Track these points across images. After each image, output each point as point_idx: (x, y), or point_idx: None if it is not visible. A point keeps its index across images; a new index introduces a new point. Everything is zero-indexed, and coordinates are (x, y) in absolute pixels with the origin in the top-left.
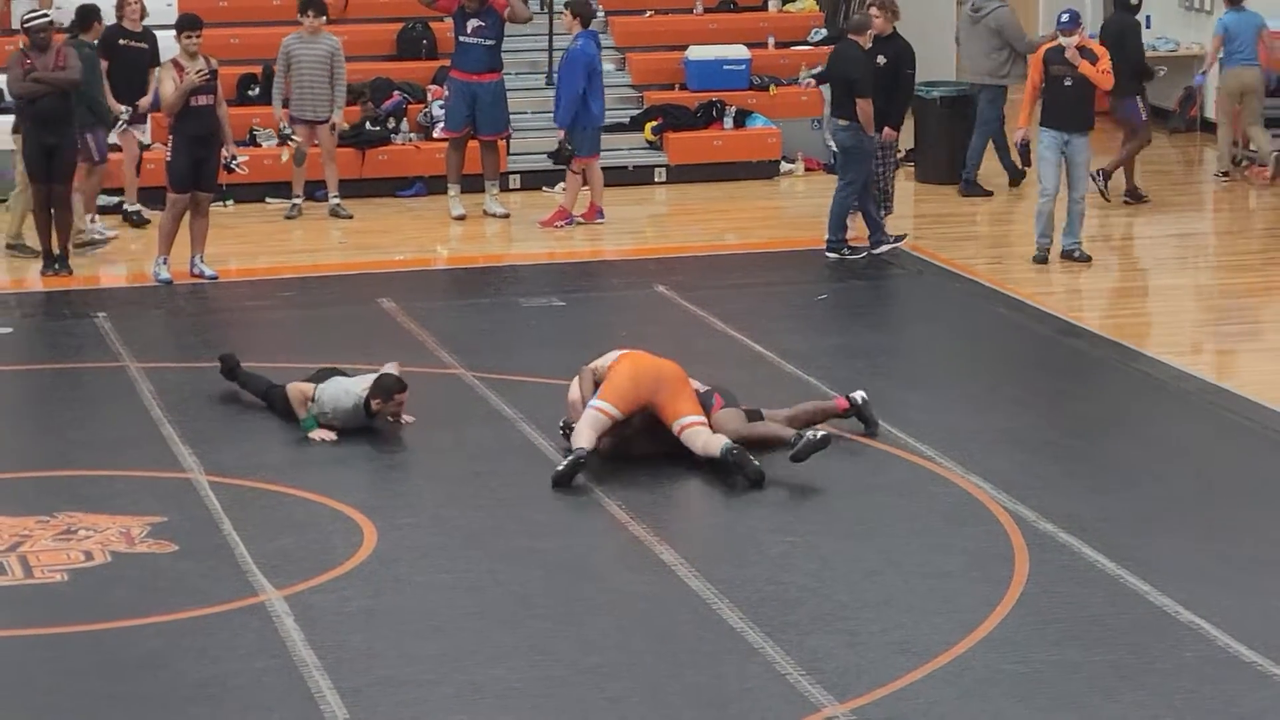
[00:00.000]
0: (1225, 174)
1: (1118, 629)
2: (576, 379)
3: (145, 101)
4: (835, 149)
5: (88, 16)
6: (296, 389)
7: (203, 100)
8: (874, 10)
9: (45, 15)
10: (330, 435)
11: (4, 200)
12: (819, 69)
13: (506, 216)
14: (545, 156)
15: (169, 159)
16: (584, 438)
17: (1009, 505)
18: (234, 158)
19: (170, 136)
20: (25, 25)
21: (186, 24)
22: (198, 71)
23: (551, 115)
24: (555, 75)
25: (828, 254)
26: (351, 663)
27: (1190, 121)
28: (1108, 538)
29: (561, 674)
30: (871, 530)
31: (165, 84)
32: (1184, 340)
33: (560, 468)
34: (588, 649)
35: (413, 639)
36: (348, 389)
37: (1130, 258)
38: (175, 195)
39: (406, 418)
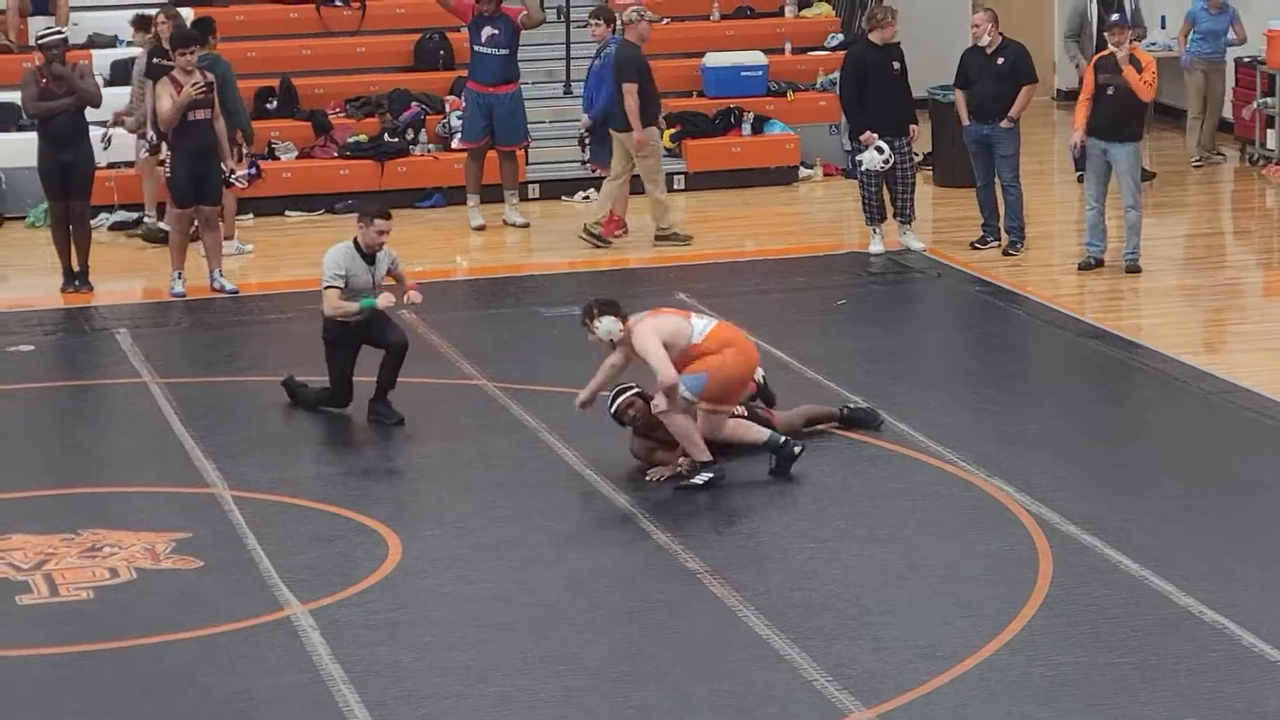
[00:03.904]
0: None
1: (1142, 630)
2: (652, 346)
3: (131, 122)
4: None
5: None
6: (330, 297)
7: (200, 115)
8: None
9: (60, 33)
10: (390, 299)
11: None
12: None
13: (526, 226)
14: (578, 143)
15: (169, 175)
16: (704, 448)
17: (1031, 508)
18: (232, 171)
19: (169, 152)
20: (40, 42)
21: (181, 40)
22: (194, 85)
23: (576, 120)
24: (588, 77)
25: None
26: (378, 675)
27: None
28: (1130, 539)
29: (588, 683)
30: (894, 535)
31: (162, 99)
32: (1203, 340)
33: (698, 482)
34: (614, 658)
35: (439, 651)
36: (344, 240)
37: (1148, 258)
38: (178, 211)
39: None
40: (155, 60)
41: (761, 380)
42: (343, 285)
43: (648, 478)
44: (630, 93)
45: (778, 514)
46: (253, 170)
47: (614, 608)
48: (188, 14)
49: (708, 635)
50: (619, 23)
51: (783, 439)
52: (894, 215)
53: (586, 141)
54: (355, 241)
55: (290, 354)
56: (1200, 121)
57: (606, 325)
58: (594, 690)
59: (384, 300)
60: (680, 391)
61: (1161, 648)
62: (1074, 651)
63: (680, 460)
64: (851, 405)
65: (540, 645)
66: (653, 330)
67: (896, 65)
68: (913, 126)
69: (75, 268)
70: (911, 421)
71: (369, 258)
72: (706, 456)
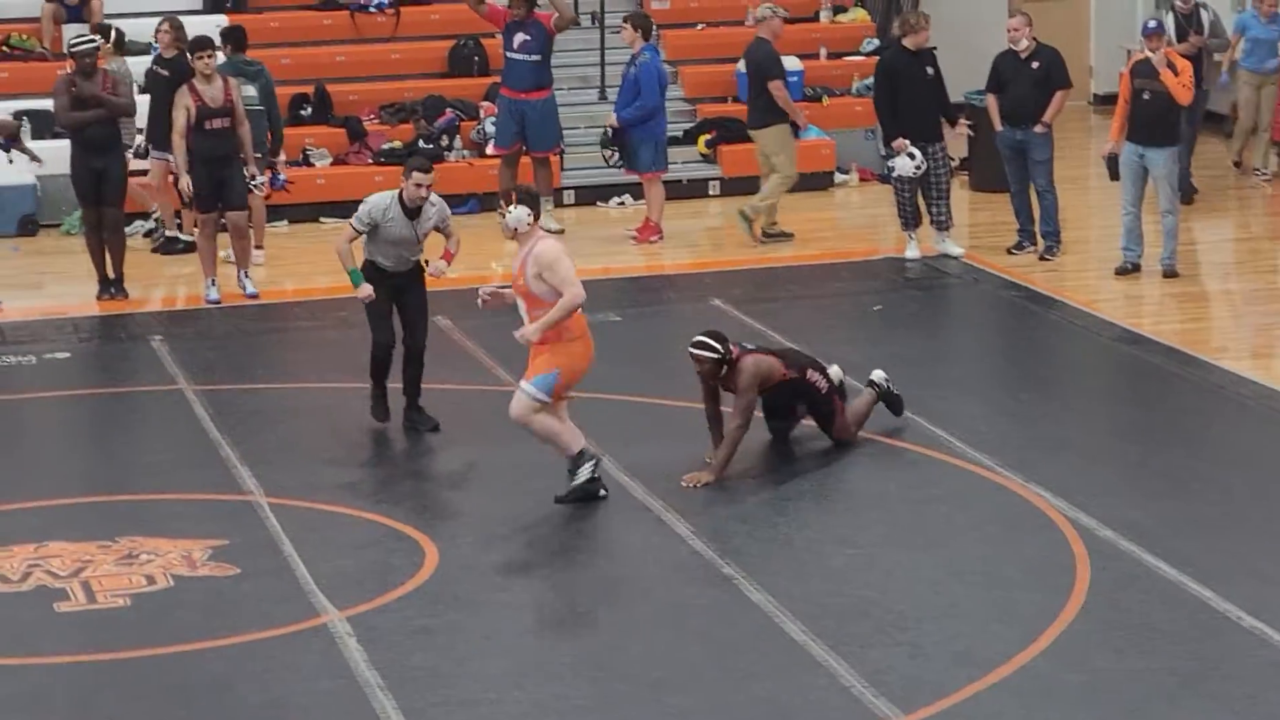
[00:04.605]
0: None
1: (1180, 636)
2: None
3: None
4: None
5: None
6: (342, 232)
7: (218, 123)
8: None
9: (92, 40)
10: (367, 293)
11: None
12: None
13: (561, 232)
14: (601, 152)
15: (191, 181)
16: (574, 439)
17: (1068, 513)
18: (254, 177)
19: (190, 159)
20: (71, 50)
21: (198, 44)
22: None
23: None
24: (622, 84)
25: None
26: (415, 683)
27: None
28: (1168, 544)
29: (624, 690)
30: (932, 540)
31: (178, 110)
32: (1241, 345)
33: (583, 478)
34: (650, 664)
35: (475, 658)
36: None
37: (1186, 262)
38: (202, 216)
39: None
40: (155, 69)
41: (839, 381)
42: (363, 229)
43: (683, 484)
44: (778, 87)
45: (815, 519)
46: (281, 178)
47: (650, 613)
48: (220, 21)
49: (744, 641)
50: (655, 31)
51: (590, 462)
52: (930, 222)
53: (609, 151)
54: (401, 193)
55: (324, 360)
56: (1250, 135)
57: (518, 214)
58: (630, 696)
59: (362, 291)
60: (532, 393)
61: (1200, 653)
62: (1111, 657)
63: (707, 472)
64: (879, 384)
65: (576, 651)
66: (566, 253)
67: (930, 71)
68: (963, 122)
69: (110, 275)
70: (948, 426)
71: (412, 211)
72: (579, 445)
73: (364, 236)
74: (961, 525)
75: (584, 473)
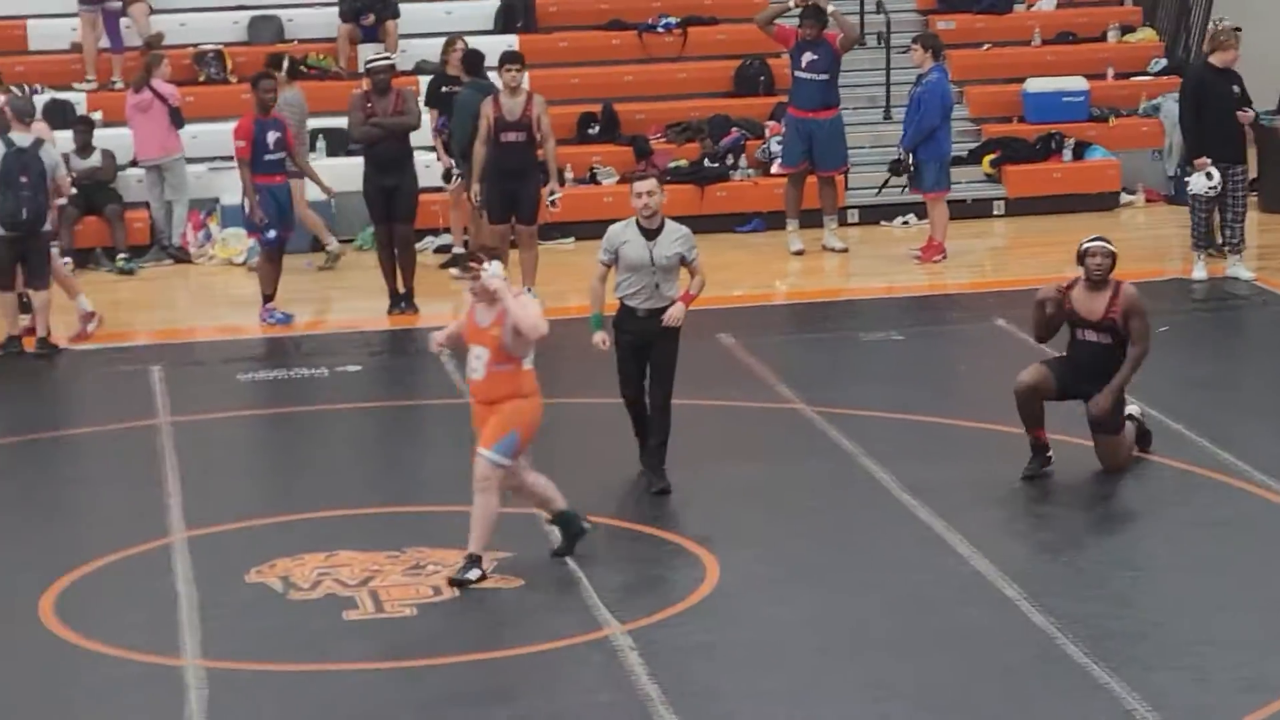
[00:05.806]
0: None
1: None
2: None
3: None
4: None
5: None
6: (595, 274)
7: (512, 136)
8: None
9: (388, 59)
10: (599, 339)
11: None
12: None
13: (845, 251)
14: (886, 170)
15: (482, 196)
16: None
17: None
18: (552, 194)
19: (485, 169)
20: (368, 68)
21: (506, 58)
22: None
23: (895, 145)
24: (909, 104)
25: None
26: (694, 697)
27: None
28: None
29: (903, 710)
30: (1218, 564)
31: (481, 120)
32: None
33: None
34: (929, 684)
35: (754, 673)
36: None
37: None
38: (492, 227)
39: None
40: (444, 89)
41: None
42: (607, 259)
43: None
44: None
45: (1097, 541)
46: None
47: (931, 634)
48: (511, 41)
49: (1025, 663)
50: (943, 52)
51: (573, 515)
52: (1223, 244)
53: (907, 169)
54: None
55: (612, 375)
56: None
57: (495, 268)
58: (909, 717)
59: (595, 337)
60: (496, 460)
61: None
62: None
63: None
64: (1137, 418)
65: (855, 670)
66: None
67: (1236, 89)
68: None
69: (400, 290)
70: (1235, 449)
71: (649, 232)
72: (483, 551)
73: (614, 270)
74: (1248, 549)
75: (472, 574)
